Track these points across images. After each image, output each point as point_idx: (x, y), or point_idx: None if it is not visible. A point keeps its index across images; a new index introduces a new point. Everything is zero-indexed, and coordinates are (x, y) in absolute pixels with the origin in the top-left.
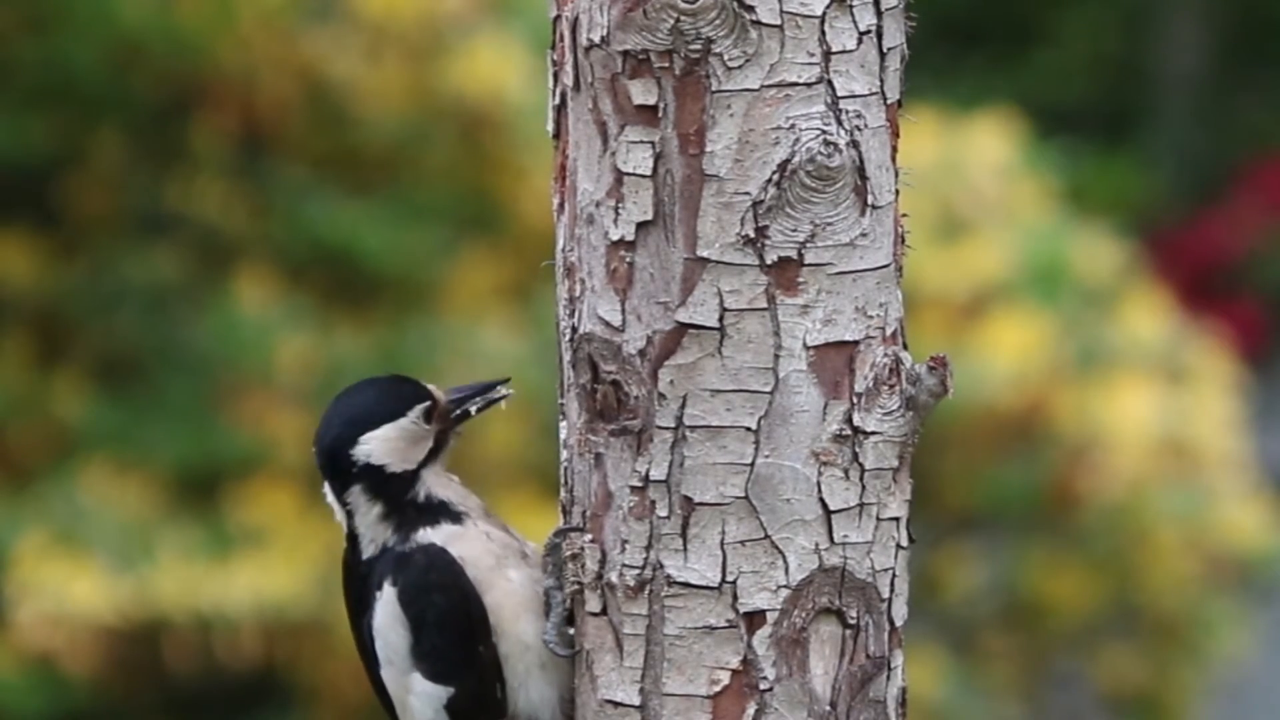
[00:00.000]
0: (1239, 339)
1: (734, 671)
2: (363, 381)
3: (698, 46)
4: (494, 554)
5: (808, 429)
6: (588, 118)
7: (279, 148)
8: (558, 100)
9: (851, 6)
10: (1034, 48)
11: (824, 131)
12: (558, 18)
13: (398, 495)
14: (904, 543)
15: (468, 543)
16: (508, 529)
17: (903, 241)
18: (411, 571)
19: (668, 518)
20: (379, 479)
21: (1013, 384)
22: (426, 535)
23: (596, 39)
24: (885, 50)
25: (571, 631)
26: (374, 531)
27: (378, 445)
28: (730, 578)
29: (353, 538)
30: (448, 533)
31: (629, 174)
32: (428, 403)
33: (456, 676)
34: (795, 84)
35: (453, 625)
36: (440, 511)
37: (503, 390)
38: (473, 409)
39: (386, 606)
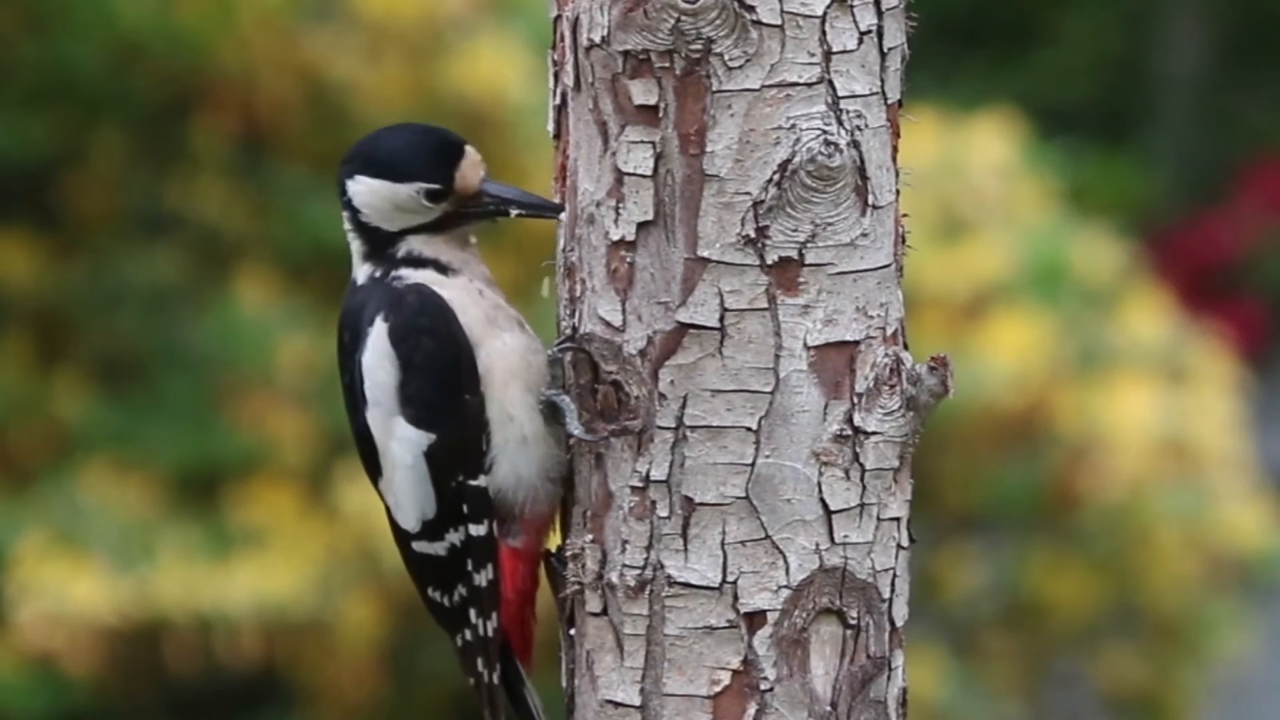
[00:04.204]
0: (1239, 339)
1: (734, 672)
2: (419, 127)
3: (698, 46)
4: (485, 310)
5: (808, 429)
6: (588, 118)
7: (279, 148)
8: (558, 100)
9: (852, 6)
10: (1034, 48)
11: (825, 131)
12: (558, 18)
13: (375, 242)
14: (905, 543)
15: (457, 291)
16: (506, 299)
17: (903, 241)
18: (403, 311)
19: (668, 518)
20: (358, 221)
21: (1013, 384)
22: (413, 275)
23: (597, 39)
24: (886, 50)
25: (579, 428)
26: (359, 263)
27: (362, 191)
28: (731, 578)
29: (353, 278)
30: (434, 278)
31: (629, 174)
32: (436, 186)
33: (439, 423)
34: (796, 84)
35: (439, 369)
36: (427, 263)
37: (553, 209)
38: (513, 212)
39: (377, 342)
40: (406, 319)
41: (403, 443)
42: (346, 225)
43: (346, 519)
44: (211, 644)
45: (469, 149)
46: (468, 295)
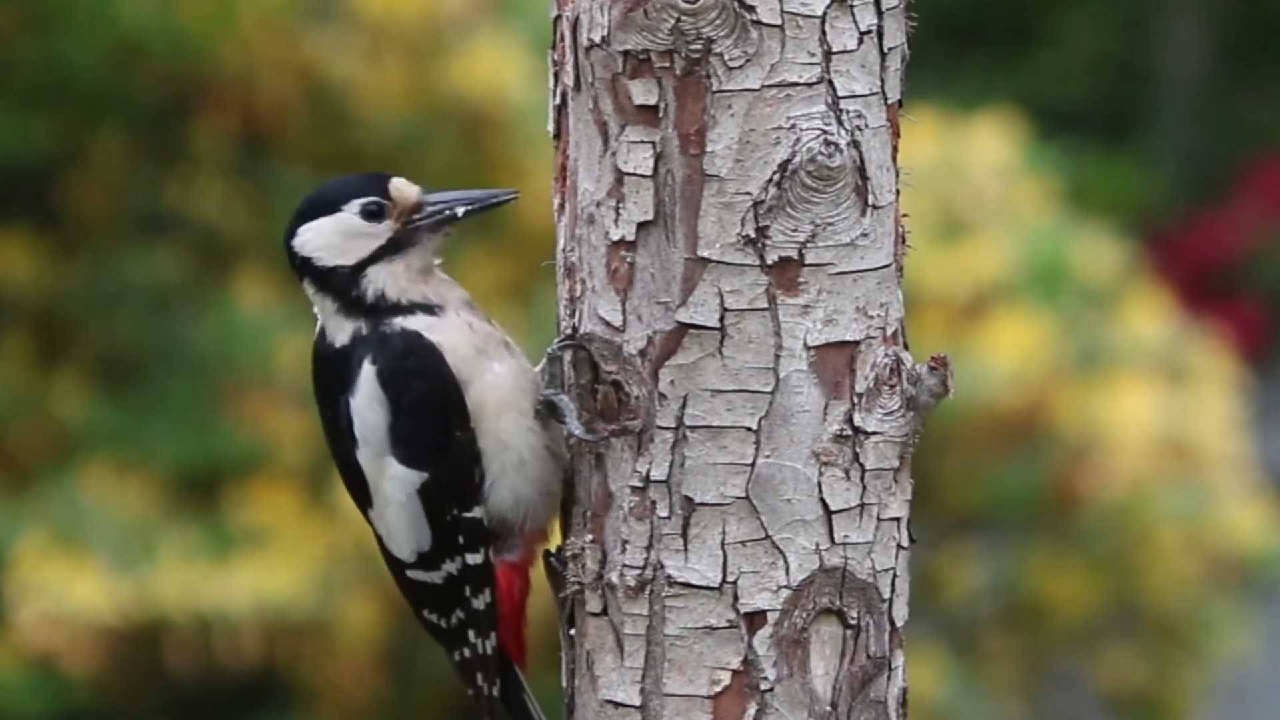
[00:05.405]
0: (1239, 339)
1: (734, 672)
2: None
3: (698, 46)
4: (474, 344)
5: (808, 429)
6: (588, 118)
7: (279, 148)
8: (558, 100)
9: (852, 6)
10: (1034, 48)
11: (825, 131)
12: (558, 18)
13: (343, 291)
14: (905, 543)
15: (447, 331)
16: (490, 321)
17: (903, 241)
18: (390, 354)
19: (668, 518)
20: (318, 273)
21: (1013, 384)
22: (403, 322)
23: (597, 39)
24: (886, 50)
25: (579, 427)
26: (336, 324)
27: (309, 238)
28: (731, 578)
29: (322, 328)
30: (425, 322)
31: (629, 174)
32: (371, 199)
33: (431, 462)
34: (796, 84)
35: (429, 411)
36: (413, 309)
37: (504, 195)
38: (460, 210)
39: (365, 384)
40: (393, 361)
41: (395, 481)
42: (310, 292)
43: (346, 519)
44: (211, 644)
45: (397, 176)
46: (458, 333)
